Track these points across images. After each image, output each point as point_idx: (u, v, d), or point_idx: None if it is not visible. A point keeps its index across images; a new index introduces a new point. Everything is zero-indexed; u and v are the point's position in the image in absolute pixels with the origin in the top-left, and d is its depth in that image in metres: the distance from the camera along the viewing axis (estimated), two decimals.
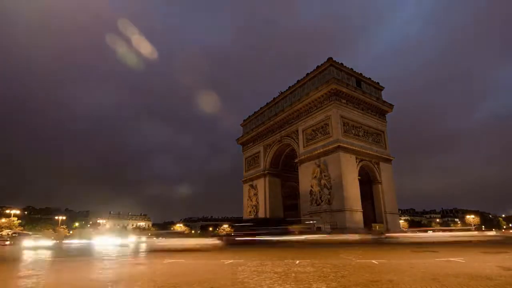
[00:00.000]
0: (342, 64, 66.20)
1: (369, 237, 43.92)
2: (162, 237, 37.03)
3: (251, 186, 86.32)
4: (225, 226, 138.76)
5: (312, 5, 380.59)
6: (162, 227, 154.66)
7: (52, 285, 9.36)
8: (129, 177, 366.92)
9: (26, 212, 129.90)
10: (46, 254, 24.43)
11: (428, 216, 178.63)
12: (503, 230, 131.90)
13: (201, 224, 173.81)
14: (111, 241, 49.92)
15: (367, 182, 65.48)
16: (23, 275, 11.06)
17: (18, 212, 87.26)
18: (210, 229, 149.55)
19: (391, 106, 72.17)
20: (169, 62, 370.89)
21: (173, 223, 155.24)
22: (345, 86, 63.41)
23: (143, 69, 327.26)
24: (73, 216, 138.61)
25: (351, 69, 67.82)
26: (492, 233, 67.04)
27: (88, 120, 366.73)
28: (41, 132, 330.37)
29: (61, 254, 25.62)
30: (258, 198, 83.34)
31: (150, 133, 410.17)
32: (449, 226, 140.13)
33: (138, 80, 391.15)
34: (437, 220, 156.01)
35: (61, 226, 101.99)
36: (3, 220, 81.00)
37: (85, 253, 25.80)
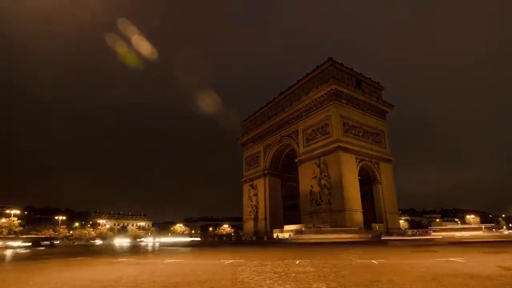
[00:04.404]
0: (342, 64, 66.10)
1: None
2: None
3: (251, 186, 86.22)
4: (225, 226, 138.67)
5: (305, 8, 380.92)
6: (163, 227, 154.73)
7: None
8: (129, 176, 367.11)
9: (26, 212, 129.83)
10: None
11: (428, 216, 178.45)
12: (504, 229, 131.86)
13: (201, 224, 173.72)
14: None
15: (367, 182, 65.46)
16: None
17: (18, 212, 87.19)
18: (210, 229, 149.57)
19: (391, 106, 72.12)
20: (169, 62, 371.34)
21: (173, 223, 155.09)
22: (345, 86, 63.37)
23: (143, 68, 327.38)
24: (73, 216, 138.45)
25: (351, 69, 67.75)
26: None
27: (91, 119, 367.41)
28: (41, 132, 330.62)
29: None
30: (258, 198, 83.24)
31: (149, 133, 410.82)
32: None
33: (138, 79, 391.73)
34: (437, 220, 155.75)
35: (61, 226, 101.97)
36: (3, 220, 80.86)
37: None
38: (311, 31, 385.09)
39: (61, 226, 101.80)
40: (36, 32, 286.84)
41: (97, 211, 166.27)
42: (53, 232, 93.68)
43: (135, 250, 32.42)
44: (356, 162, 61.23)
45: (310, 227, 57.09)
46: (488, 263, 11.51)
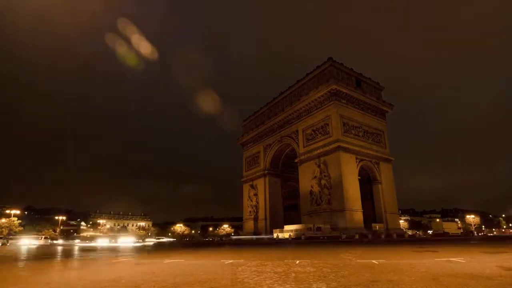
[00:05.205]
0: (342, 64, 66.08)
1: None
2: None
3: (251, 186, 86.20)
4: (225, 226, 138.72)
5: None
6: (163, 227, 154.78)
7: None
8: (129, 176, 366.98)
9: (26, 212, 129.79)
10: None
11: (428, 216, 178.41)
12: (503, 230, 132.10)
13: (201, 224, 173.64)
14: None
15: (367, 182, 65.45)
16: None
17: (18, 212, 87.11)
18: (210, 229, 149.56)
19: (391, 106, 72.12)
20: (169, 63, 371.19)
21: (173, 223, 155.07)
22: (345, 86, 63.37)
23: (143, 69, 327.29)
24: (73, 216, 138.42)
25: (351, 69, 67.73)
26: None
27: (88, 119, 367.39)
28: (41, 132, 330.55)
29: None
30: (258, 198, 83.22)
31: (149, 133, 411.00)
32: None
33: (137, 78, 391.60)
34: (437, 220, 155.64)
35: (61, 227, 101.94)
36: (3, 220, 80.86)
37: None
38: (311, 31, 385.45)
39: (61, 226, 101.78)
40: (36, 30, 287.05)
41: (97, 211, 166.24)
42: (52, 232, 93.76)
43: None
44: (356, 162, 61.21)
45: (310, 227, 57.11)
46: (488, 263, 11.50)
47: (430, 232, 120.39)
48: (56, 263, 17.30)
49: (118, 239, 53.44)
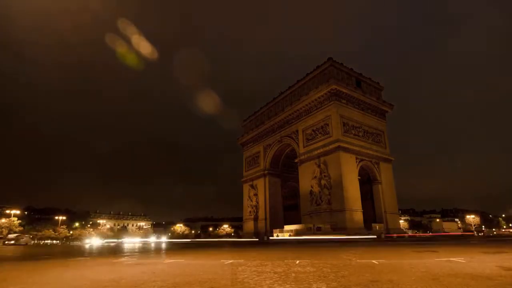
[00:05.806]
0: (342, 64, 66.10)
1: None
2: None
3: (251, 186, 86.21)
4: (225, 226, 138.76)
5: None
6: (163, 227, 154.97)
7: None
8: (129, 176, 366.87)
9: (26, 212, 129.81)
10: None
11: (428, 216, 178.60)
12: (503, 230, 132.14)
13: (201, 224, 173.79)
14: None
15: (367, 182, 65.46)
16: None
17: (18, 212, 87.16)
18: (210, 229, 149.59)
19: (391, 106, 72.13)
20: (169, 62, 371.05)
21: (173, 223, 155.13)
22: (345, 86, 63.39)
23: (143, 68, 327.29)
24: (73, 216, 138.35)
25: (351, 69, 67.74)
26: None
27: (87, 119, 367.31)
28: (41, 132, 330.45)
29: None
30: (258, 198, 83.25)
31: (150, 133, 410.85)
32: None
33: (137, 78, 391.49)
34: (437, 220, 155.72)
35: (61, 226, 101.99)
36: (3, 220, 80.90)
37: None
38: (311, 32, 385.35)
39: (61, 226, 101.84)
40: (36, 29, 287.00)
41: (97, 211, 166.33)
42: (53, 232, 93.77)
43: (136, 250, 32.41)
44: (356, 162, 61.22)
45: (310, 227, 57.11)
46: (488, 263, 11.49)
47: (430, 232, 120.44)
48: (57, 263, 17.28)
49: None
